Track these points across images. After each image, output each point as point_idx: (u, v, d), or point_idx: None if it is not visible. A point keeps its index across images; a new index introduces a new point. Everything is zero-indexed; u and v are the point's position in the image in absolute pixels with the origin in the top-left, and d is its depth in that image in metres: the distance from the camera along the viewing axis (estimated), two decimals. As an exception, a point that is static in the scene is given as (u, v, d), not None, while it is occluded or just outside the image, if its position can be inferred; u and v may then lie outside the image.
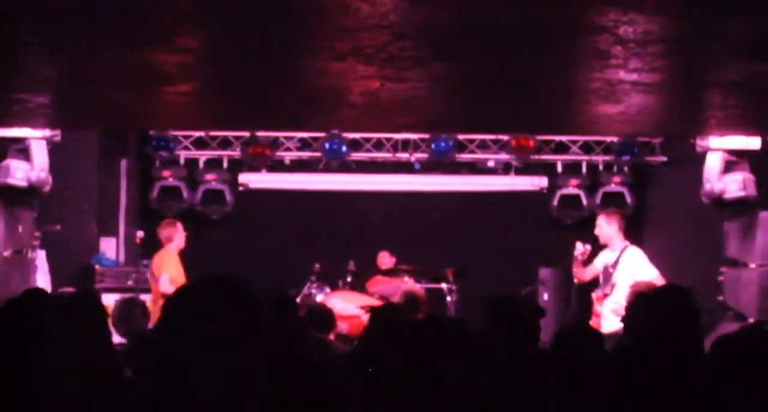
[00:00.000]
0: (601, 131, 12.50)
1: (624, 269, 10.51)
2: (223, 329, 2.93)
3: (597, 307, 10.64)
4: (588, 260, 10.86)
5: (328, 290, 13.30)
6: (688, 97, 8.47)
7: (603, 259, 10.92)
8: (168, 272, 10.84)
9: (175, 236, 11.29)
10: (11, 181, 10.74)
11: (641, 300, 7.13)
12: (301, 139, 14.75)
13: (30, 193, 11.09)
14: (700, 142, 11.10)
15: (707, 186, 11.23)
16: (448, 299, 13.43)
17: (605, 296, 10.62)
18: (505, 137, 14.26)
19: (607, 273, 10.72)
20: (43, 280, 11.70)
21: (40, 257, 11.91)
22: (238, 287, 3.05)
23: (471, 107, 9.23)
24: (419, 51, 6.59)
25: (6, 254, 10.74)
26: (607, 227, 10.79)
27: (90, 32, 6.28)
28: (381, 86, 7.60)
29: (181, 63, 7.15)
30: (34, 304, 5.88)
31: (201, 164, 15.12)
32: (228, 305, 2.98)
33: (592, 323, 10.62)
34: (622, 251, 10.70)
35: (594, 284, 11.06)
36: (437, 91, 8.11)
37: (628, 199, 14.70)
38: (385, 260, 14.16)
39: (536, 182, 15.24)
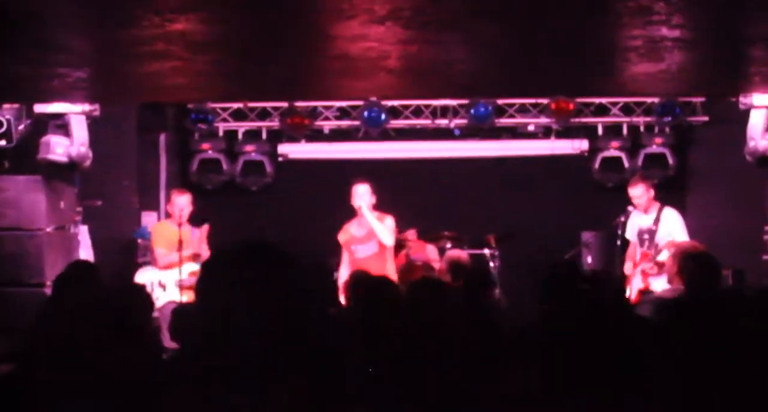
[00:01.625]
0: (643, 91, 12.36)
1: (667, 227, 10.64)
2: (259, 292, 2.91)
3: (644, 266, 10.69)
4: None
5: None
6: (732, 53, 8.35)
7: (636, 224, 11.03)
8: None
9: (167, 208, 11.46)
10: (52, 156, 10.77)
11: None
12: (340, 108, 14.71)
13: (71, 168, 11.12)
14: (743, 100, 10.99)
15: (751, 144, 11.15)
16: (492, 264, 13.38)
17: (646, 256, 10.72)
18: (544, 101, 14.17)
19: (650, 232, 10.81)
20: (86, 255, 11.74)
21: (83, 232, 11.95)
22: (273, 250, 3.04)
23: (510, 69, 9.15)
24: (457, 12, 6.52)
25: (49, 229, 10.77)
26: (647, 194, 10.94)
27: (124, 3, 6.27)
28: (419, 50, 7.53)
29: (216, 32, 7.12)
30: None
31: (240, 136, 15.16)
32: (264, 268, 2.96)
33: (636, 283, 10.71)
34: (660, 211, 10.82)
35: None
36: (476, 54, 8.03)
37: (670, 161, 14.61)
38: (412, 237, 13.99)
39: (577, 145, 15.15)
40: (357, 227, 10.88)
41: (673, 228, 10.63)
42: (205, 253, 11.06)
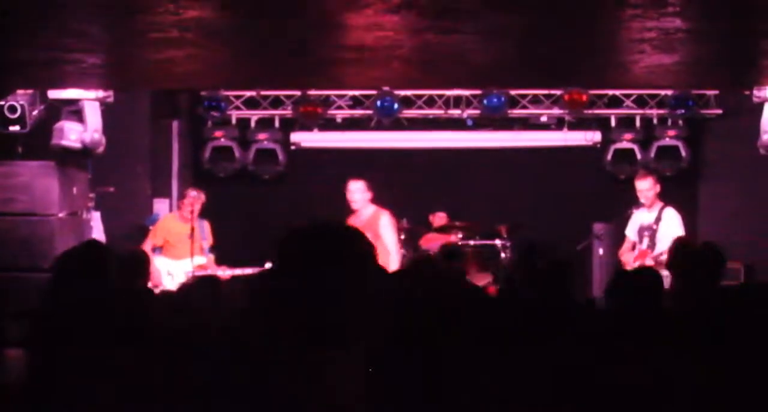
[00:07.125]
0: (656, 83, 12.35)
1: (667, 227, 10.64)
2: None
3: (647, 261, 10.70)
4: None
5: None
6: (746, 45, 8.33)
7: (638, 221, 11.04)
8: None
9: (180, 204, 11.84)
10: (65, 142, 10.81)
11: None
12: (353, 97, 14.73)
13: (84, 154, 11.16)
14: (757, 93, 11.00)
15: (764, 137, 11.15)
16: (503, 255, 13.37)
17: (645, 253, 10.74)
18: (557, 92, 14.16)
19: (650, 230, 10.83)
20: (98, 241, 11.79)
21: (95, 219, 11.98)
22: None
23: (524, 60, 9.13)
24: (473, 2, 6.51)
25: (61, 215, 10.79)
26: (654, 188, 10.97)
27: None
28: (434, 39, 7.52)
29: (230, 19, 7.12)
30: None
31: (253, 124, 15.18)
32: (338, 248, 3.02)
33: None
34: (661, 210, 10.85)
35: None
36: (491, 43, 8.01)
37: (683, 153, 14.60)
38: (441, 220, 14.15)
39: (589, 137, 15.15)
40: (355, 220, 10.89)
41: (672, 228, 10.64)
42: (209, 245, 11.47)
